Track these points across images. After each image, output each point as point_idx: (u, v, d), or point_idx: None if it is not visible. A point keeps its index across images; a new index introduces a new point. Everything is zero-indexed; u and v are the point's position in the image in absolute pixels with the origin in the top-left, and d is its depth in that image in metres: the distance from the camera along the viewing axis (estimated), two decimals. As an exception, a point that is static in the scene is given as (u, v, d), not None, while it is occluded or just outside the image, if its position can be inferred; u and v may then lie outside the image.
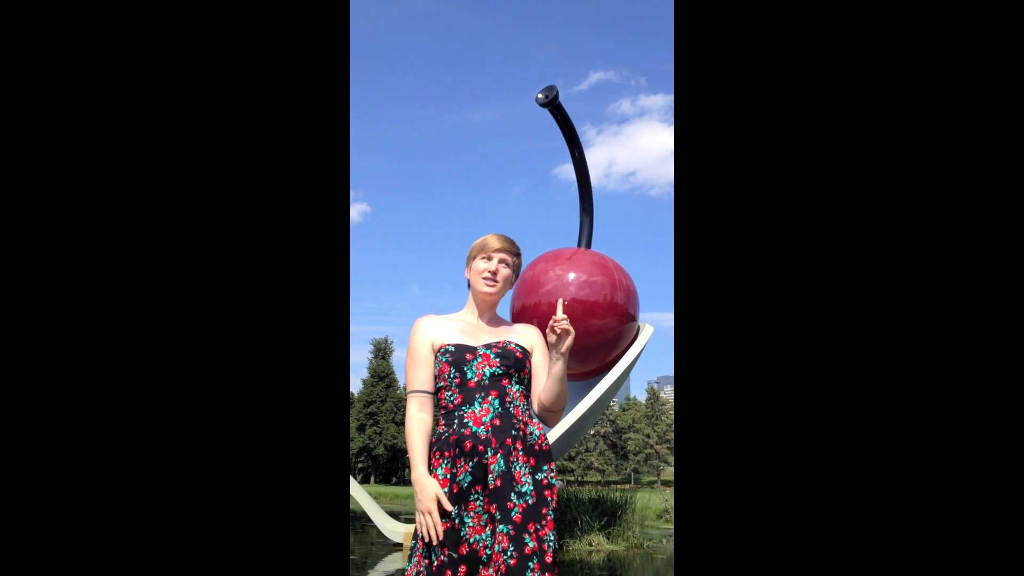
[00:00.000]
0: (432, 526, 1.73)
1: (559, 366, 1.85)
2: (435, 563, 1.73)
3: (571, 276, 6.99)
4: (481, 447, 1.78)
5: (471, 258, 2.00)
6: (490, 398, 1.83)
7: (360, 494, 8.31)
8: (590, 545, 8.01)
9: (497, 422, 1.80)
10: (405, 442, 1.97)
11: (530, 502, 1.74)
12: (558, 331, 1.81)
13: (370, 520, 8.49)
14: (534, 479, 1.79)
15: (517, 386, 1.88)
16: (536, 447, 1.83)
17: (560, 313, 1.81)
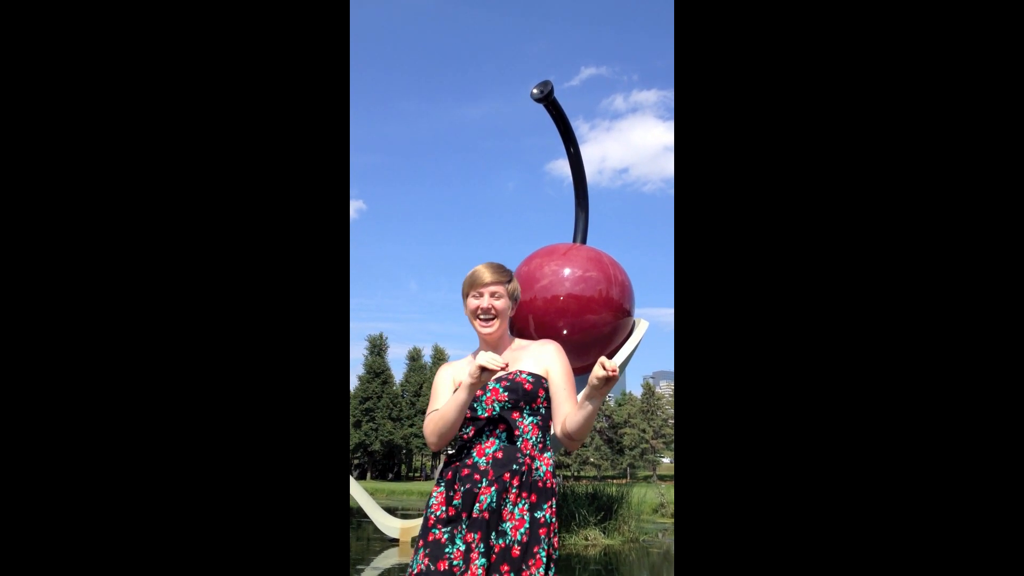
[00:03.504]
0: (490, 360, 1.69)
1: (597, 404, 1.74)
2: (415, 570, 1.75)
3: (567, 271, 6.99)
4: (477, 476, 1.77)
5: (464, 295, 1.95)
6: (497, 431, 1.81)
7: (356, 490, 8.31)
8: (586, 540, 8.04)
9: (499, 455, 1.78)
10: (436, 429, 1.86)
11: (510, 542, 1.71)
12: (605, 377, 1.63)
13: (366, 516, 8.49)
14: (531, 516, 1.75)
15: (530, 418, 1.83)
16: (540, 483, 1.79)
17: (610, 363, 1.62)
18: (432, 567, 1.71)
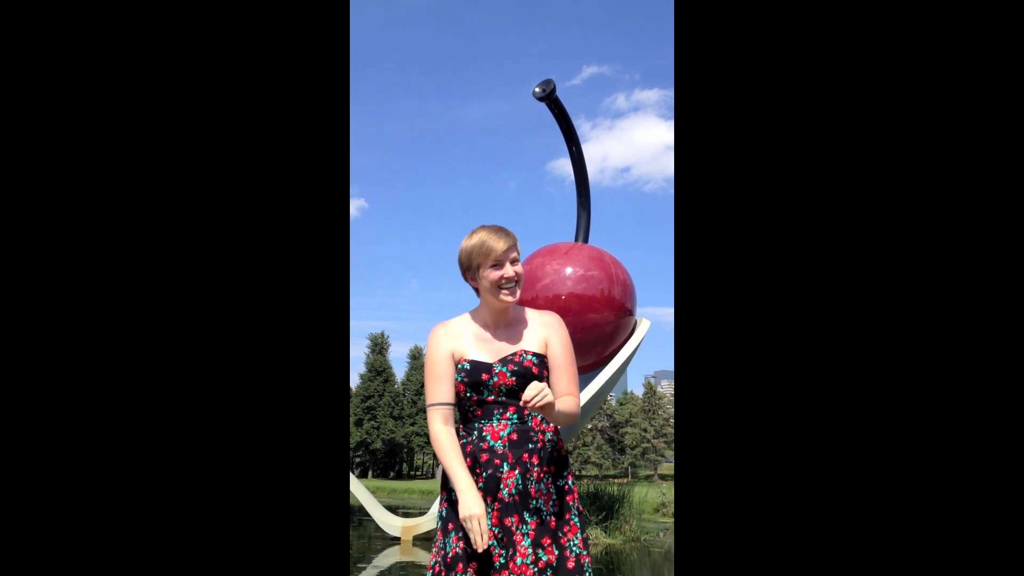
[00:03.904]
0: (479, 532, 1.64)
1: (553, 416, 1.72)
2: (449, 553, 1.74)
3: (568, 270, 6.99)
4: (497, 460, 1.76)
5: (474, 267, 1.85)
6: (508, 413, 1.80)
7: (358, 489, 8.32)
8: (587, 539, 8.03)
9: (514, 436, 1.78)
10: (436, 454, 1.84)
11: (545, 516, 1.75)
12: (533, 407, 1.64)
13: (367, 515, 8.50)
14: (556, 486, 1.80)
15: None
16: (555, 453, 1.83)
17: (527, 394, 1.62)
18: (468, 548, 1.71)
